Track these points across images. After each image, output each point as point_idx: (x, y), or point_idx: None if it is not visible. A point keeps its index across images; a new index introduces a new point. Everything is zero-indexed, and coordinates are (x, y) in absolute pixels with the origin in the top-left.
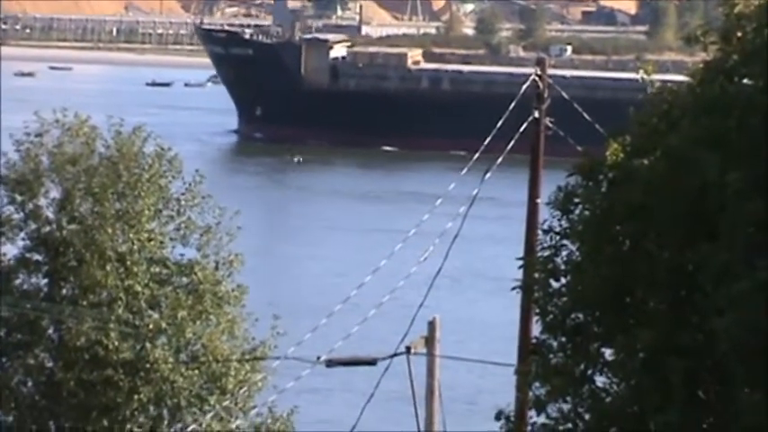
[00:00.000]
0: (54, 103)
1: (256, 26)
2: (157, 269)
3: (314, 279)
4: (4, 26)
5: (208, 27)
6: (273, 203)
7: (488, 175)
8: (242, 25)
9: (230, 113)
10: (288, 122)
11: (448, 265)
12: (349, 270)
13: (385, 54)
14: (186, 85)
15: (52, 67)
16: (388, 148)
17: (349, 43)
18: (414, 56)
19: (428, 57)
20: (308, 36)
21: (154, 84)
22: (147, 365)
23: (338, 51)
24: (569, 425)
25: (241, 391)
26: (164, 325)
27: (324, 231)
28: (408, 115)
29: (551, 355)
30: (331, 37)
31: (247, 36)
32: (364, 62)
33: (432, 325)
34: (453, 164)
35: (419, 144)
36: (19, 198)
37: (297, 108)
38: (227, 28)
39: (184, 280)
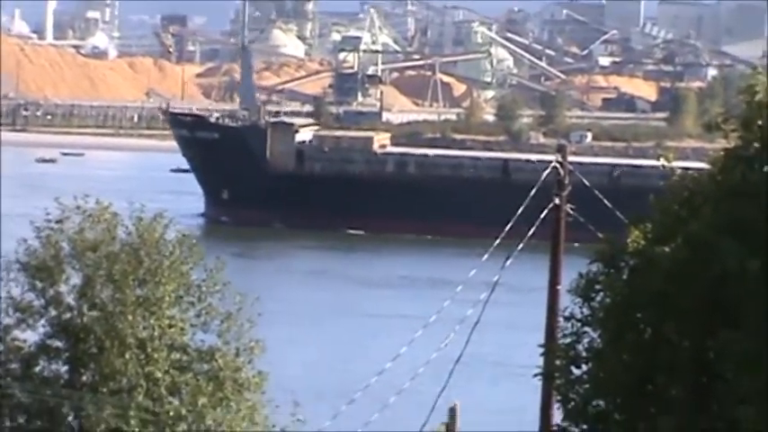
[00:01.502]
0: (73, 189)
1: (226, 110)
2: (178, 356)
3: (314, 364)
4: (25, 112)
5: (174, 111)
6: (248, 287)
7: (509, 261)
8: (209, 109)
9: (199, 197)
10: (254, 206)
11: (465, 351)
12: (348, 355)
13: (351, 138)
14: (172, 170)
15: (64, 153)
16: (353, 231)
17: (316, 127)
18: (380, 140)
19: (449, 142)
20: (274, 120)
21: (179, 170)
22: None
23: (304, 135)
24: None
25: None
26: (184, 412)
27: (306, 315)
28: (374, 198)
29: None
30: (297, 120)
31: (213, 120)
32: (330, 146)
33: (452, 412)
34: (422, 247)
35: (385, 227)
36: (39, 285)
37: (263, 191)
38: (194, 111)
39: (205, 366)
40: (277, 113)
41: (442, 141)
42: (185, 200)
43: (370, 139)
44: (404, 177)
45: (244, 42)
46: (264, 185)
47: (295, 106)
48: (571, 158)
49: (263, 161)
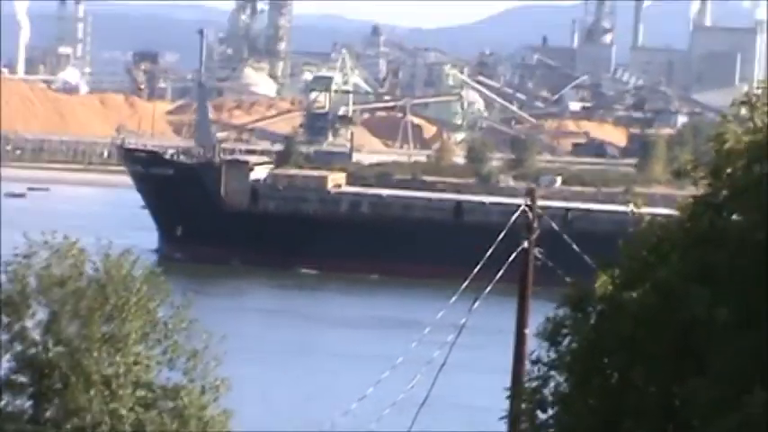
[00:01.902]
0: (41, 224)
1: (181, 147)
2: (143, 393)
3: (278, 403)
4: None
5: (129, 147)
6: (206, 325)
7: (476, 304)
8: (163, 146)
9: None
10: (208, 243)
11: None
12: (311, 394)
13: (305, 177)
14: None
15: (30, 188)
16: (306, 270)
17: (271, 165)
18: (334, 179)
19: (419, 184)
20: (229, 157)
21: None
22: None
23: (259, 173)
24: None
25: None
26: None
27: (267, 354)
28: (327, 238)
29: None
30: (251, 159)
31: (168, 156)
32: (284, 184)
33: None
34: (377, 287)
35: (338, 267)
36: (5, 319)
37: (217, 228)
38: (148, 148)
39: (170, 404)
40: (232, 151)
41: (412, 183)
42: (140, 236)
43: (324, 179)
44: (357, 217)
45: (200, 80)
46: (219, 223)
47: (265, 145)
48: (494, 199)
49: (217, 198)
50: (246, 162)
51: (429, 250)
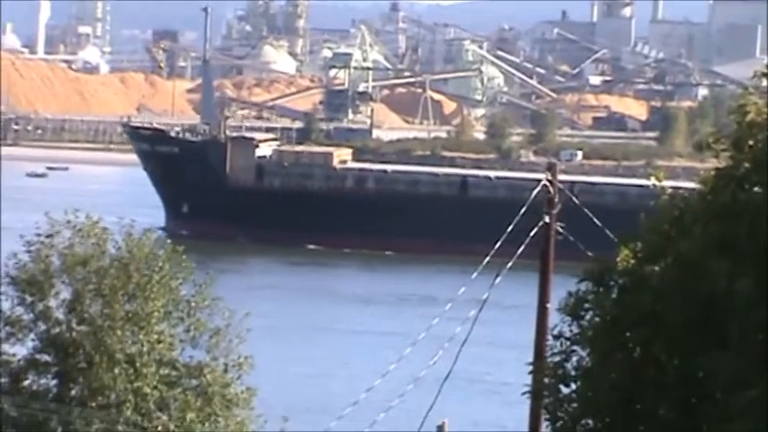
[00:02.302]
0: (62, 203)
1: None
2: (166, 371)
3: (300, 380)
4: (16, 126)
5: (135, 125)
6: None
7: (498, 279)
8: (169, 123)
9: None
10: (214, 219)
11: (442, 368)
12: (331, 371)
13: (310, 153)
14: None
15: (50, 168)
16: (312, 246)
17: (277, 142)
18: (340, 155)
19: (438, 160)
20: (234, 134)
21: None
22: None
23: (264, 150)
24: None
25: None
26: (172, 427)
27: (277, 330)
28: (333, 214)
29: None
30: (257, 135)
31: (173, 134)
32: (290, 161)
33: (440, 429)
34: (381, 263)
35: (343, 243)
36: (29, 299)
37: (222, 205)
38: (154, 125)
39: (193, 382)
40: (239, 128)
41: (432, 159)
42: (149, 214)
43: (329, 155)
44: (362, 193)
45: (205, 57)
46: (224, 200)
47: (285, 122)
48: (534, 175)
49: (222, 175)
50: (252, 139)
51: (434, 225)
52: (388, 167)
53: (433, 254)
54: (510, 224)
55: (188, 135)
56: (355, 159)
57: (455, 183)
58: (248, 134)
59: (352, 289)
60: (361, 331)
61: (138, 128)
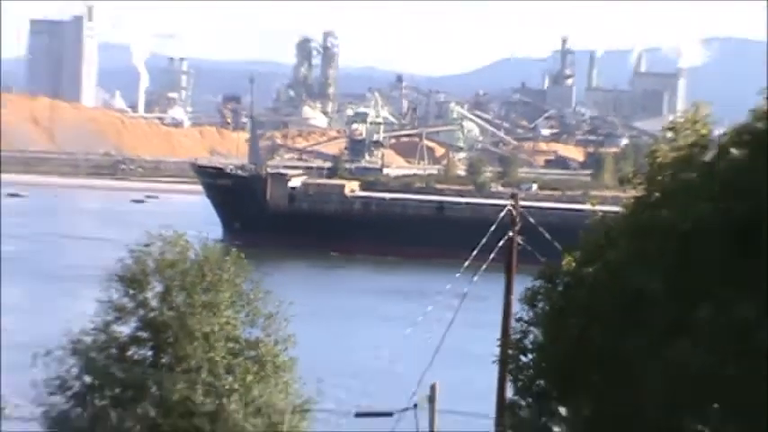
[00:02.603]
0: (155, 222)
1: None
2: (232, 345)
3: (330, 351)
4: (123, 166)
5: (201, 164)
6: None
7: (475, 278)
8: (226, 163)
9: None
10: (259, 233)
11: (436, 342)
12: (348, 344)
13: (328, 185)
14: None
15: (148, 196)
16: (331, 253)
17: (304, 177)
18: (350, 186)
19: (432, 190)
20: (272, 171)
21: None
22: (225, 416)
23: (294, 182)
24: None
25: None
26: (236, 386)
27: (315, 316)
28: (345, 229)
29: (521, 411)
30: (289, 171)
31: (228, 171)
32: (313, 190)
33: (432, 388)
34: (381, 266)
35: (354, 250)
36: (131, 291)
37: (264, 223)
38: (214, 164)
39: (252, 353)
40: (276, 166)
41: (426, 190)
42: (209, 229)
43: (342, 186)
44: (367, 214)
45: (252, 114)
46: (266, 219)
47: (319, 163)
48: (501, 201)
49: (264, 201)
50: (285, 174)
51: (418, 237)
52: (386, 195)
53: (419, 258)
54: (479, 236)
55: (239, 171)
56: (362, 189)
57: (434, 206)
58: (283, 170)
59: (363, 284)
60: (373, 315)
61: (202, 167)
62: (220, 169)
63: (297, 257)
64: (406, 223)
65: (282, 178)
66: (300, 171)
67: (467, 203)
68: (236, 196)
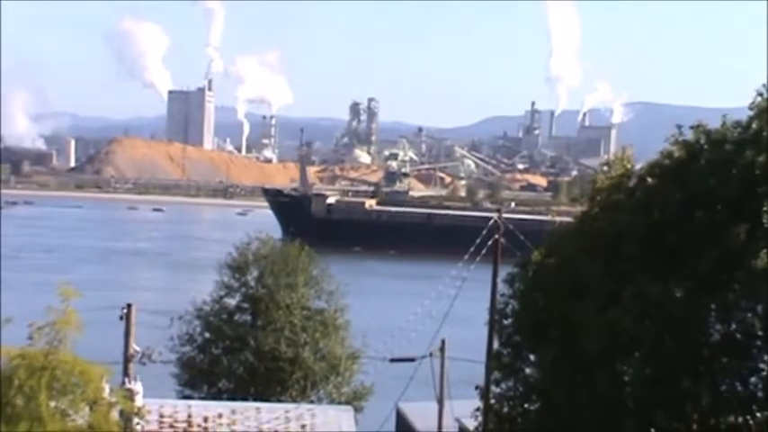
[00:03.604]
0: (250, 227)
1: (296, 188)
2: (305, 312)
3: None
4: (231, 190)
5: (267, 188)
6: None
7: (472, 267)
8: (283, 188)
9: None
10: (305, 236)
11: (444, 310)
12: (381, 314)
13: (354, 201)
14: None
15: (247, 210)
16: (356, 248)
17: (338, 196)
18: (370, 203)
19: (442, 206)
20: (315, 192)
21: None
22: (300, 361)
23: (331, 200)
24: (510, 402)
25: (347, 374)
26: (308, 340)
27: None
28: (366, 233)
29: (504, 358)
30: (328, 193)
31: (286, 192)
32: (344, 206)
33: (443, 343)
34: (392, 258)
35: (373, 248)
36: (236, 275)
37: (310, 228)
38: (276, 188)
39: (318, 317)
40: (319, 189)
41: (439, 206)
42: (274, 233)
43: (364, 202)
44: (380, 221)
45: (302, 154)
46: (311, 225)
47: (365, 187)
48: (489, 214)
49: (309, 212)
50: (324, 194)
51: (415, 240)
52: (393, 209)
53: (416, 254)
54: (458, 238)
55: (293, 192)
56: (378, 204)
57: (424, 216)
58: (323, 192)
59: (383, 270)
60: (395, 292)
61: (268, 189)
62: (280, 191)
63: (332, 252)
64: (405, 228)
65: (323, 197)
66: (336, 192)
67: (446, 214)
68: (291, 209)
